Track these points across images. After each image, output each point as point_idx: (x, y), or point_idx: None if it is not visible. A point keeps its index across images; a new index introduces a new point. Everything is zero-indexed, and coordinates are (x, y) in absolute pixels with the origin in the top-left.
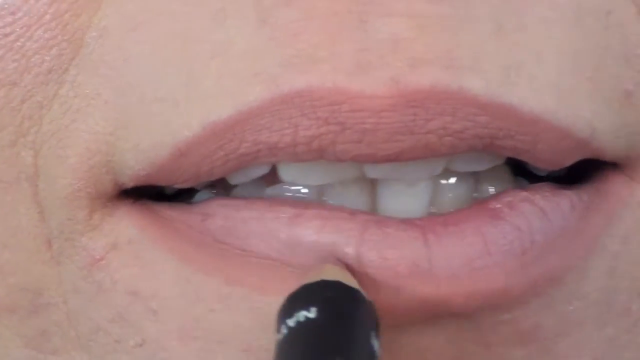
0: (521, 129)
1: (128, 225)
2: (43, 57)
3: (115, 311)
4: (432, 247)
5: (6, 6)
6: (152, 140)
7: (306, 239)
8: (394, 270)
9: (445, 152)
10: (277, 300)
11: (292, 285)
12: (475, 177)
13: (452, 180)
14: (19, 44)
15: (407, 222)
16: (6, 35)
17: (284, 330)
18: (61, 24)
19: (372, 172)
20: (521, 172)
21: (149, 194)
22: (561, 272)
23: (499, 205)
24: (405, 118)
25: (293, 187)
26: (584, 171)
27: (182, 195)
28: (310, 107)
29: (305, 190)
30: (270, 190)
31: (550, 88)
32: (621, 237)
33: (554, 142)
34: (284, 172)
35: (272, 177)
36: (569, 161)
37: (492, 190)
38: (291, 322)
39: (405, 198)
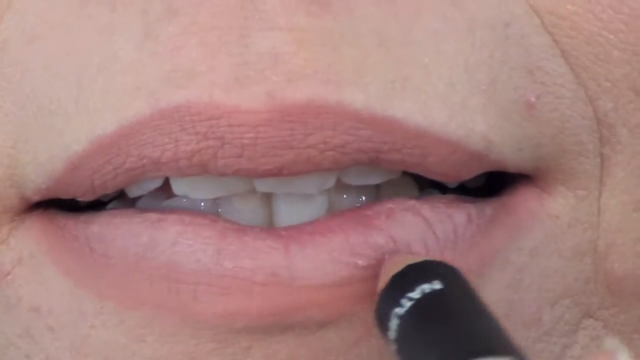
0: (408, 143)
1: (29, 239)
2: None
3: (22, 327)
4: (293, 257)
5: None
6: (48, 154)
7: (165, 242)
8: (250, 279)
9: (328, 166)
10: (140, 314)
11: (148, 296)
12: (377, 188)
13: (348, 193)
14: None
15: (270, 231)
16: None
17: (407, 303)
18: None
19: (261, 186)
20: (433, 184)
21: (62, 205)
22: None
23: (373, 212)
24: (282, 133)
25: (186, 200)
26: (498, 182)
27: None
28: (189, 121)
29: (201, 204)
30: (167, 203)
31: (438, 101)
32: (529, 250)
33: (445, 155)
34: (176, 186)
35: (169, 190)
36: (467, 174)
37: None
38: (415, 295)
39: (302, 210)
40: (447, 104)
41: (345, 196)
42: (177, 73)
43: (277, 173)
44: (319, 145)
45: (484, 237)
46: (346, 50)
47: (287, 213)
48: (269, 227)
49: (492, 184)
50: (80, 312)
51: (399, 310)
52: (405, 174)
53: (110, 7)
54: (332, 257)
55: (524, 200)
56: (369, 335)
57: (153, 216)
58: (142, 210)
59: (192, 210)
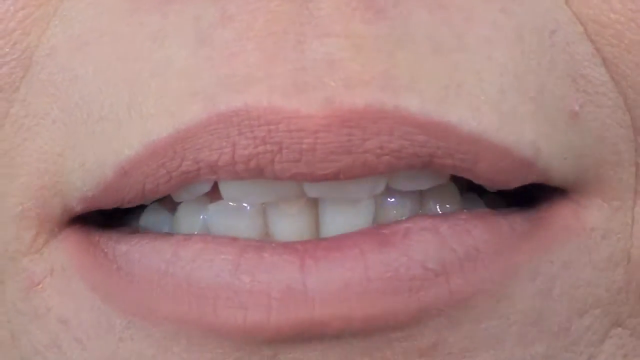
0: (460, 148)
1: (63, 252)
2: None
3: (50, 338)
4: (307, 271)
5: None
6: (97, 160)
7: (186, 258)
8: (267, 293)
9: (383, 170)
10: (166, 328)
11: (171, 311)
12: (421, 194)
13: (394, 198)
14: None
15: (286, 246)
16: None
17: None
18: (10, 42)
19: (311, 190)
20: (474, 187)
21: (98, 221)
22: (464, 296)
23: (390, 232)
24: (340, 138)
25: (232, 204)
26: (533, 192)
27: (131, 213)
28: (247, 126)
29: (244, 210)
30: (213, 207)
31: (490, 107)
32: (562, 262)
33: (495, 161)
34: (225, 190)
35: (216, 194)
36: (515, 182)
37: (437, 207)
38: None
39: (347, 216)
40: (498, 111)
41: (391, 200)
42: (235, 78)
43: (334, 177)
44: (375, 150)
45: (511, 250)
46: (401, 56)
47: (334, 218)
48: (292, 242)
49: (529, 191)
50: (109, 326)
51: None
52: (450, 181)
53: (161, 13)
54: (346, 272)
55: (560, 215)
56: (389, 345)
57: (179, 237)
58: (169, 234)
59: (215, 235)
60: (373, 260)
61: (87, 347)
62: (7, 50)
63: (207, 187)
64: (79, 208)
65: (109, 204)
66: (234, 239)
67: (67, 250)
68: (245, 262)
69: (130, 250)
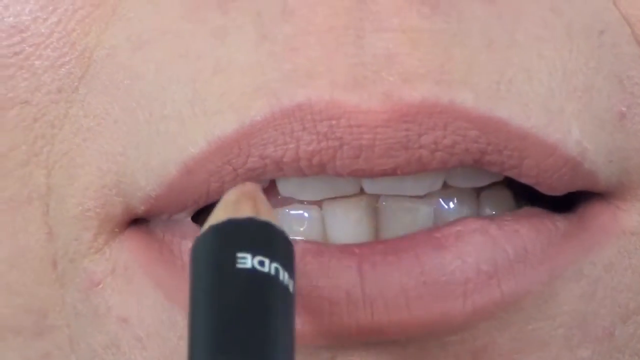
0: (509, 144)
1: (126, 250)
2: (53, 75)
3: (108, 338)
4: (365, 276)
5: (15, 25)
6: (160, 159)
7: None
8: (327, 298)
9: (436, 166)
10: None
11: None
12: (477, 200)
13: (452, 204)
14: (29, 62)
15: (344, 251)
16: (16, 53)
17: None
18: (69, 42)
19: (370, 187)
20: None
21: (160, 222)
22: (515, 297)
23: (443, 235)
24: (399, 134)
25: (293, 212)
26: (574, 199)
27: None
28: (310, 120)
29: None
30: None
31: (539, 104)
32: (603, 265)
33: (542, 158)
34: (283, 187)
35: (273, 191)
36: (563, 185)
37: (492, 212)
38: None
39: (407, 220)
40: (546, 108)
41: (450, 204)
42: (297, 73)
43: (391, 173)
44: (430, 146)
45: (556, 250)
46: (456, 50)
47: (393, 221)
48: (349, 245)
49: (570, 198)
50: (170, 323)
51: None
52: (504, 186)
53: (221, 10)
54: (403, 276)
55: (598, 216)
56: (442, 348)
57: None
58: None
59: None
60: (429, 265)
61: (146, 346)
62: (66, 50)
63: (264, 184)
64: (141, 210)
65: (172, 206)
66: (294, 242)
67: (131, 248)
68: (305, 266)
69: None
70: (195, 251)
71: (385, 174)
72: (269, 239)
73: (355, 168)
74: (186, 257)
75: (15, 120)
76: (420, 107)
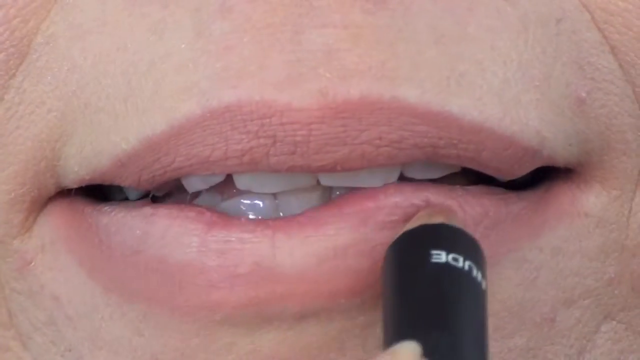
0: (463, 138)
1: (52, 225)
2: None
3: (46, 315)
4: (277, 248)
5: None
6: (94, 149)
7: (155, 235)
8: (233, 271)
9: (383, 162)
10: (138, 307)
11: (142, 289)
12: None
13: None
14: None
15: (258, 223)
16: None
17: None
18: (9, 29)
19: (325, 180)
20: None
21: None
22: None
23: (375, 207)
24: (335, 130)
25: (245, 198)
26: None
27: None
28: (240, 121)
29: (259, 202)
30: (225, 203)
31: (493, 97)
32: (550, 249)
33: (499, 150)
34: (239, 181)
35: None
36: (520, 170)
37: None
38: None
39: None
40: (502, 100)
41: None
42: (229, 72)
43: (331, 169)
44: (374, 141)
45: (501, 234)
46: (402, 46)
47: None
48: (262, 219)
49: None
50: (93, 304)
51: (436, 259)
52: (461, 175)
53: (162, 4)
54: (317, 249)
55: (557, 196)
56: (351, 328)
57: (147, 210)
58: (144, 204)
59: (182, 204)
60: (350, 239)
61: (77, 326)
62: (6, 37)
63: (220, 178)
64: (74, 186)
65: (105, 183)
66: (201, 212)
67: (55, 222)
68: (212, 238)
69: (109, 222)
70: (390, 253)
71: (324, 169)
72: (461, 241)
73: (292, 164)
74: (102, 234)
75: None
76: (359, 104)
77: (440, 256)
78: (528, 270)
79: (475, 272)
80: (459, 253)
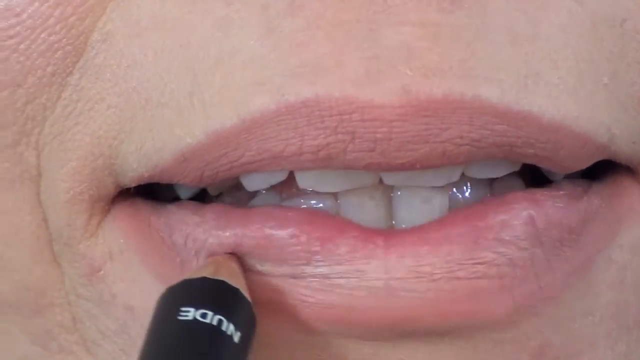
0: (542, 137)
1: (118, 231)
2: (47, 60)
3: (118, 324)
4: (392, 269)
5: (11, 7)
6: (155, 145)
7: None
8: (352, 293)
9: (463, 160)
10: None
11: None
12: (490, 188)
13: (467, 193)
14: (23, 46)
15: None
16: (10, 37)
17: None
18: (66, 27)
19: (388, 179)
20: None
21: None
22: (553, 292)
23: (485, 226)
24: (417, 127)
25: (304, 199)
26: (597, 169)
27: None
28: (318, 116)
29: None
30: (286, 198)
31: (569, 95)
32: (630, 247)
33: (576, 148)
34: (301, 179)
35: (290, 184)
36: (586, 164)
37: None
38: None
39: (422, 207)
40: (577, 98)
41: (464, 190)
42: (304, 68)
43: (410, 167)
44: (455, 140)
45: (591, 234)
46: (479, 46)
47: (407, 210)
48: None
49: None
50: None
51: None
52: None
53: (225, 1)
54: (435, 271)
55: (627, 194)
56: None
57: (237, 229)
58: (223, 213)
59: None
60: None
61: None
62: (63, 35)
63: (282, 176)
64: (132, 185)
65: (163, 181)
66: (307, 231)
67: (122, 230)
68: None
69: (188, 244)
70: (154, 309)
71: (403, 167)
72: (219, 295)
73: (370, 162)
74: (184, 255)
75: (6, 102)
76: (442, 103)
77: (188, 313)
78: (616, 270)
79: (226, 326)
80: (210, 309)
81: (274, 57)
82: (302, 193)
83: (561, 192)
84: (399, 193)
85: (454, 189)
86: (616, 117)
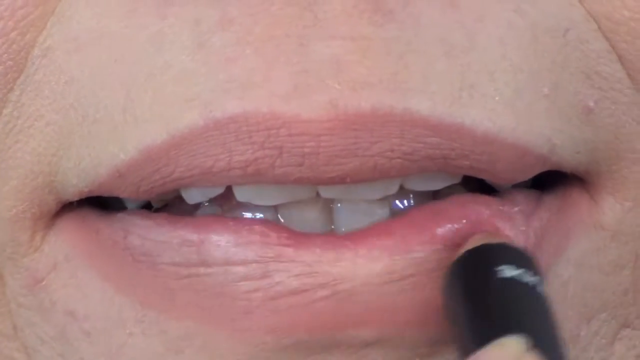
0: (477, 149)
1: (64, 242)
2: None
3: (56, 330)
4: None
5: None
6: (92, 161)
7: (217, 260)
8: (302, 295)
9: (395, 173)
10: (184, 325)
11: (197, 310)
12: (432, 199)
13: (407, 199)
14: None
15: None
16: None
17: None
18: (7, 42)
19: (325, 192)
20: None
21: (95, 202)
22: None
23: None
24: (345, 141)
25: (244, 209)
26: (547, 179)
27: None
28: (245, 132)
29: (259, 214)
30: (227, 210)
31: (506, 107)
32: (575, 261)
33: (514, 159)
34: (238, 193)
35: (229, 196)
36: (528, 176)
37: None
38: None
39: (363, 218)
40: (514, 110)
41: (405, 202)
42: (233, 84)
43: (340, 181)
44: (386, 153)
45: (545, 246)
46: (412, 58)
47: (348, 220)
48: (325, 234)
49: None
50: (119, 319)
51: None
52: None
53: (160, 15)
54: (386, 276)
55: (576, 207)
56: (414, 357)
57: (201, 234)
58: (179, 220)
59: (243, 220)
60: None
61: (94, 341)
62: (4, 50)
63: (220, 190)
64: (74, 199)
65: (104, 195)
66: (264, 234)
67: (69, 239)
68: (280, 261)
69: (145, 244)
70: (456, 270)
71: (333, 181)
72: (523, 258)
73: (300, 176)
74: (138, 256)
75: None
76: (371, 116)
77: (506, 271)
78: (560, 285)
79: (539, 286)
80: (523, 268)
81: (203, 72)
82: (242, 205)
83: (515, 209)
84: (339, 205)
85: (396, 201)
86: (558, 128)
